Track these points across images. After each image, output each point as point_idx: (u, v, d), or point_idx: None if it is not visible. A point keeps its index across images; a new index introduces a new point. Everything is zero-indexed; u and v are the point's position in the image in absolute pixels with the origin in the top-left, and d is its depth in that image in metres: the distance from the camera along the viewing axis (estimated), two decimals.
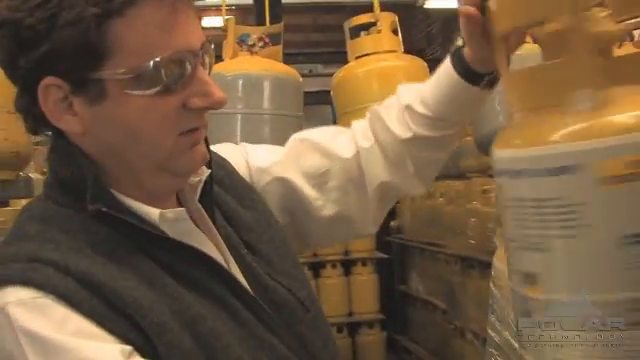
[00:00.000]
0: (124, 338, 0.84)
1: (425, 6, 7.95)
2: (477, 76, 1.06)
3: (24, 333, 0.82)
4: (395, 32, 2.74)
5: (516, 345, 1.35)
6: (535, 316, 0.89)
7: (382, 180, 1.16)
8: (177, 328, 0.87)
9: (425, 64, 2.76)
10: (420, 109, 1.12)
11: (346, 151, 1.18)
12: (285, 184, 1.17)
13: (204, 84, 0.91)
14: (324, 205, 1.17)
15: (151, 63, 0.86)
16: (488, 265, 4.68)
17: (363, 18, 2.76)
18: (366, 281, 6.51)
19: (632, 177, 0.77)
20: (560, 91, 0.84)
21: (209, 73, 0.94)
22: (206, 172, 1.01)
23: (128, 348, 0.83)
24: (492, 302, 1.45)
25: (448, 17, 10.58)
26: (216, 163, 1.08)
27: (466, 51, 1.05)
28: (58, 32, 0.84)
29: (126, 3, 0.84)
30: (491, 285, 1.47)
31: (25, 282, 0.84)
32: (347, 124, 2.62)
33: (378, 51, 2.70)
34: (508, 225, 0.90)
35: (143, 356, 0.84)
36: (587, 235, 0.82)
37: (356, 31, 2.79)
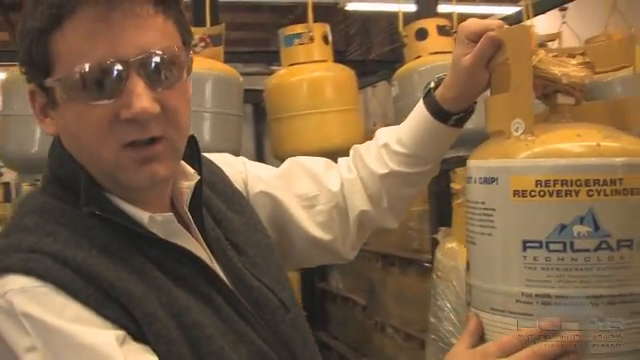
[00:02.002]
0: (118, 324, 0.88)
1: (346, 8, 8.08)
2: (448, 115, 1.17)
3: (26, 317, 0.86)
4: (326, 41, 2.87)
5: (454, 330, 1.50)
6: (467, 297, 1.09)
7: (362, 209, 1.27)
8: (165, 319, 0.91)
9: (353, 73, 2.93)
10: (396, 147, 1.23)
11: (334, 185, 1.28)
12: (277, 201, 1.25)
13: (129, 94, 0.90)
14: (311, 226, 1.26)
15: (76, 71, 0.89)
16: (408, 262, 4.91)
17: (297, 28, 2.91)
18: None
19: (538, 193, 0.96)
20: (504, 119, 1.03)
21: (161, 85, 0.93)
22: (196, 178, 1.06)
23: (122, 334, 0.88)
24: (434, 292, 1.58)
25: (366, 19, 10.81)
26: (209, 170, 1.15)
27: (438, 92, 1.17)
28: (23, 43, 0.93)
29: (63, 16, 0.88)
30: (434, 276, 1.60)
31: (26, 272, 0.88)
32: (279, 129, 2.76)
33: (310, 60, 2.84)
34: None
35: (135, 341, 0.89)
36: (497, 235, 1.02)
37: (290, 39, 2.91)
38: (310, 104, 2.74)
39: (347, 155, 1.36)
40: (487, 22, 1.08)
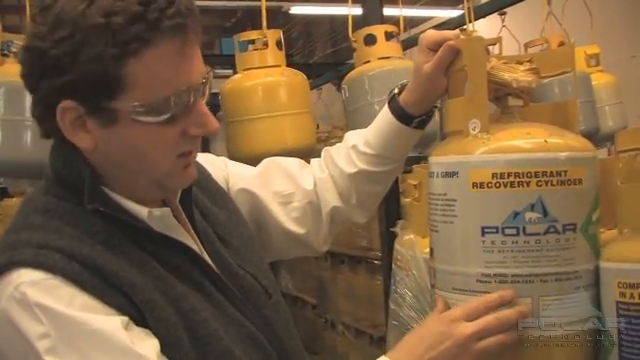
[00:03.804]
0: (122, 310, 0.96)
1: (290, 12, 8.19)
2: (410, 118, 1.29)
3: (38, 307, 0.92)
4: (280, 47, 2.96)
5: (414, 315, 1.62)
6: (432, 280, 1.21)
7: (333, 205, 1.38)
8: (164, 305, 0.99)
9: (305, 78, 3.00)
10: (364, 148, 1.34)
11: (308, 183, 1.39)
12: (256, 198, 1.36)
13: (201, 115, 1.03)
14: (287, 221, 1.36)
15: (158, 98, 0.98)
16: (357, 260, 5.03)
17: (252, 34, 2.98)
18: None
19: (494, 185, 1.08)
20: (462, 120, 1.15)
21: (207, 100, 1.05)
22: None
23: (126, 319, 0.95)
24: (394, 280, 1.70)
25: (308, 22, 10.94)
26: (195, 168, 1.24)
27: (402, 97, 1.28)
28: (79, 66, 0.94)
29: (141, 46, 0.95)
30: (394, 266, 1.72)
31: (36, 265, 0.95)
32: (234, 132, 2.82)
33: (264, 65, 2.91)
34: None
35: (137, 326, 0.96)
36: (458, 223, 1.13)
37: (244, 45, 2.99)
38: (264, 108, 2.81)
39: (300, 156, 1.47)
40: (445, 33, 1.20)
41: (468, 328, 1.07)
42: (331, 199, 1.38)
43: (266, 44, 2.88)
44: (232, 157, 2.89)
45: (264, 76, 2.87)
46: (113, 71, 0.95)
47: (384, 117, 1.32)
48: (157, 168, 1.04)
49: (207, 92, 1.05)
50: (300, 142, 2.85)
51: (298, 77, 2.94)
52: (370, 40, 3.07)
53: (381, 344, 4.45)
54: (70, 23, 0.95)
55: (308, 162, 1.45)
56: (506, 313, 1.07)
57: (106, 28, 0.94)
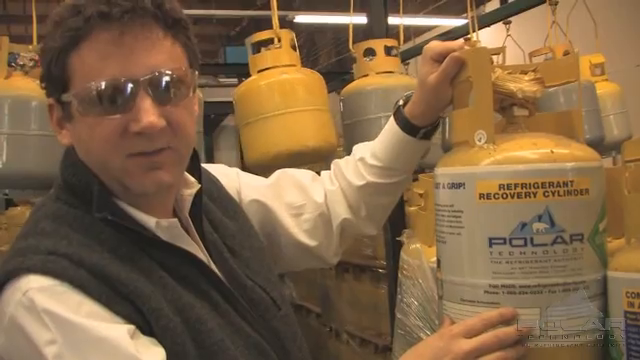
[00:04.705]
0: (128, 319, 0.96)
1: (295, 20, 8.21)
2: (416, 129, 1.29)
3: (46, 313, 0.93)
4: (294, 48, 2.89)
5: (420, 324, 1.61)
6: (439, 291, 1.20)
7: (344, 217, 1.38)
8: (171, 314, 1.00)
9: (322, 77, 2.90)
10: (371, 161, 1.35)
11: (319, 195, 1.39)
12: (268, 209, 1.36)
13: (138, 110, 0.99)
14: (298, 232, 1.37)
15: (91, 87, 0.98)
16: (361, 268, 5.02)
17: (264, 34, 2.89)
18: None
19: (501, 195, 1.08)
20: (467, 131, 1.15)
21: (168, 101, 1.01)
22: (197, 186, 1.16)
23: (132, 328, 0.95)
24: (400, 290, 1.70)
25: (312, 31, 10.97)
26: (207, 179, 1.24)
27: (407, 109, 1.29)
28: (43, 61, 1.04)
29: (80, 37, 0.99)
30: (400, 275, 1.72)
31: (45, 272, 0.96)
32: (250, 134, 2.77)
33: (278, 65, 2.81)
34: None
35: (144, 334, 0.97)
36: (465, 234, 1.12)
37: (257, 46, 2.91)
38: (282, 105, 2.68)
39: (321, 157, 1.48)
40: (450, 44, 1.20)
41: (467, 344, 1.07)
42: (341, 211, 1.38)
43: (280, 43, 2.80)
44: (249, 160, 2.81)
45: (280, 73, 2.76)
46: (60, 64, 1.01)
47: (390, 129, 1.32)
48: (108, 167, 1.03)
49: (164, 92, 1.01)
50: (322, 140, 2.68)
51: (315, 75, 2.85)
52: (369, 54, 3.07)
53: (386, 353, 4.44)
54: (48, 26, 1.03)
55: (328, 168, 1.45)
56: (505, 331, 1.07)
57: (59, 25, 1.01)
